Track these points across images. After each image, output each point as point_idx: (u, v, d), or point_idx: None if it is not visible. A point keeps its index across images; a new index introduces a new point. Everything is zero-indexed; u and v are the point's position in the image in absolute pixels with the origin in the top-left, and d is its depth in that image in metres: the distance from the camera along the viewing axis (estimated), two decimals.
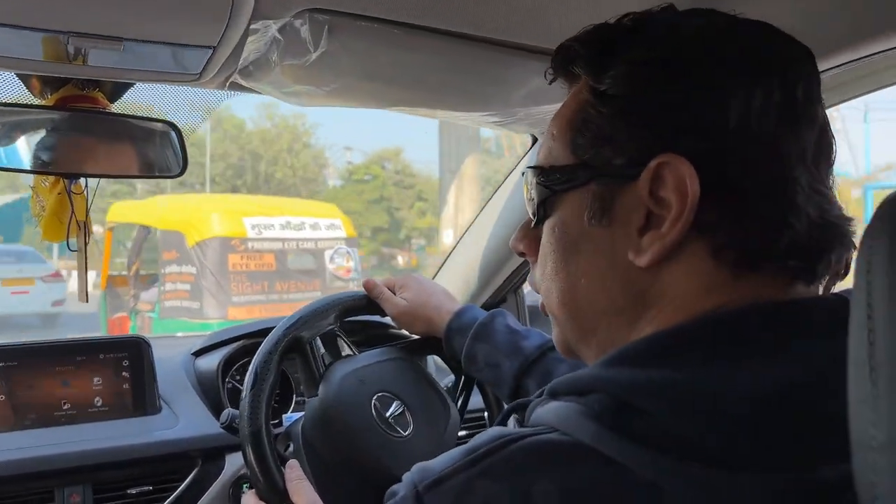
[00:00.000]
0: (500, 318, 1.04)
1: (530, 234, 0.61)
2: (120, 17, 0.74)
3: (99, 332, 7.16)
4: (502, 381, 1.02)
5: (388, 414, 1.01)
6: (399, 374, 1.08)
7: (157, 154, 1.06)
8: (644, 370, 0.47)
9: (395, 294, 1.12)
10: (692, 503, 0.42)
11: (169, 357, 1.42)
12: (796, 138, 0.49)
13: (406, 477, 0.51)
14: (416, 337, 1.16)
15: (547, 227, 0.57)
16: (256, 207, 7.38)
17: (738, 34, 0.51)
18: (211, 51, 0.81)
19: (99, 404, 1.20)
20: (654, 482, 0.43)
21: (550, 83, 0.60)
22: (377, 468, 0.96)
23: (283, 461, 0.97)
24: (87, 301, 1.09)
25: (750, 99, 0.47)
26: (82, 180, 1.04)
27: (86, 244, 1.06)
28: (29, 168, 0.99)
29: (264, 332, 1.04)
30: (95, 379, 1.21)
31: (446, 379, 1.21)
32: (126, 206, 8.35)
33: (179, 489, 1.18)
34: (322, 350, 1.04)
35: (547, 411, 0.51)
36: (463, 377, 1.17)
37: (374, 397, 1.02)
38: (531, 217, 0.59)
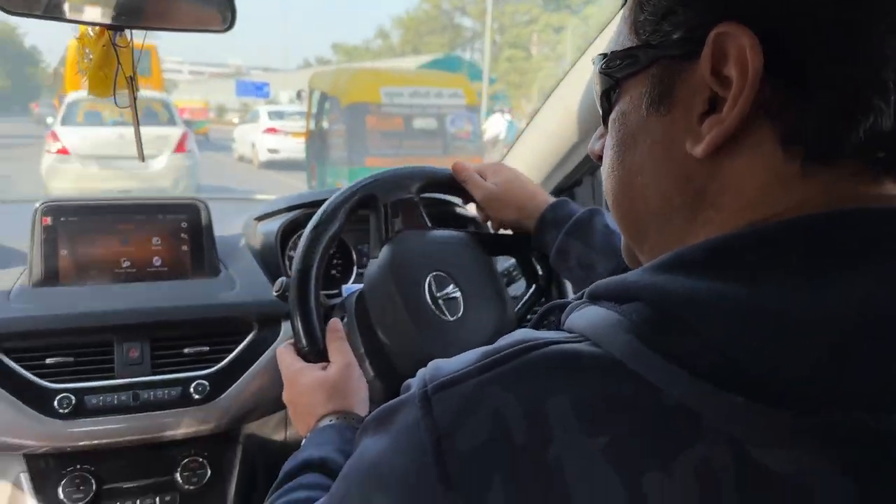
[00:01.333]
0: (598, 217, 0.96)
1: (606, 136, 0.54)
2: None
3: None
4: (594, 282, 0.95)
5: (440, 294, 0.97)
6: (465, 261, 1.03)
7: (204, 7, 0.99)
8: (699, 280, 0.40)
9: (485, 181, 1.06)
10: (735, 437, 0.35)
11: (232, 221, 1.41)
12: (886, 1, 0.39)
13: (420, 372, 0.47)
14: (493, 232, 1.11)
15: (611, 122, 0.52)
16: (391, 79, 9.62)
17: None
18: None
19: (158, 264, 1.21)
20: (690, 408, 0.36)
21: None
22: (414, 343, 0.93)
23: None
24: (143, 160, 1.06)
25: None
26: (127, 33, 0.98)
27: (134, 100, 1.01)
28: (68, 18, 0.93)
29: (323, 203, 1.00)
30: (155, 239, 1.21)
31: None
32: (317, 74, 10.82)
33: (235, 352, 1.19)
34: (396, 216, 1.00)
35: (581, 317, 0.44)
36: (534, 287, 1.11)
37: (432, 274, 0.98)
38: (599, 113, 0.53)
